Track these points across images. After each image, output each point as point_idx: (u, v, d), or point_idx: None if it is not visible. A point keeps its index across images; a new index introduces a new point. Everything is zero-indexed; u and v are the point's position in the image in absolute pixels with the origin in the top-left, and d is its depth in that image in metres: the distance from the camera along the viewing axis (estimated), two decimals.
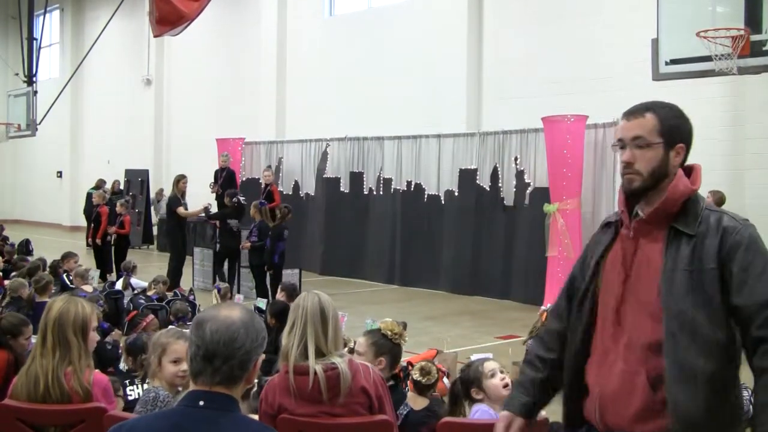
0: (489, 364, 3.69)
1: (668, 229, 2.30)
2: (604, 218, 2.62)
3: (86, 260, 13.73)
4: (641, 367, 2.25)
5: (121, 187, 20.47)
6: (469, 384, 3.66)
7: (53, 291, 8.12)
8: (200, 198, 14.11)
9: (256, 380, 3.82)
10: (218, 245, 12.32)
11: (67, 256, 10.03)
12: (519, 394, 2.57)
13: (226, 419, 1.95)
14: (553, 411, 4.49)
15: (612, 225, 2.49)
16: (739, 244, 2.24)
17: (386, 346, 3.87)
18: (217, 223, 12.53)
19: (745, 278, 2.19)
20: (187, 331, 2.62)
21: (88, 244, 14.28)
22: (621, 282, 2.35)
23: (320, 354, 3.12)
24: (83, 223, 19.88)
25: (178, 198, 12.55)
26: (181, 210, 12.38)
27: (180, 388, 3.45)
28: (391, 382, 3.81)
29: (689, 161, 2.43)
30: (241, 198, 12.81)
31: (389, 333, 3.89)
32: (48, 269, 9.63)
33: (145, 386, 3.73)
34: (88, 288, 8.29)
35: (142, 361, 3.79)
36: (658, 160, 2.31)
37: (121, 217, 13.49)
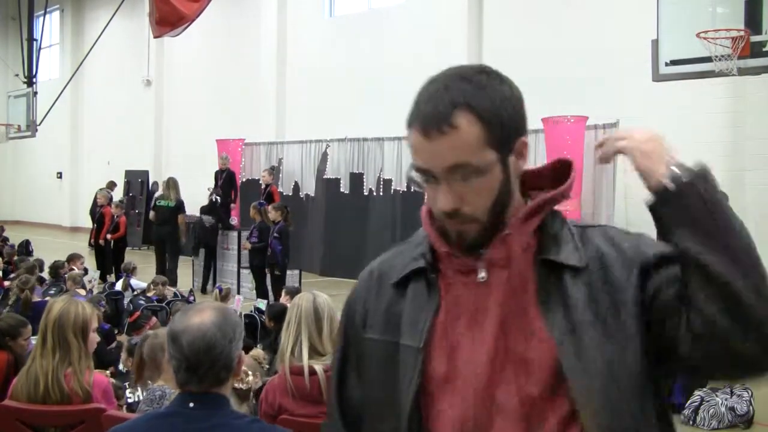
0: None
1: (535, 264, 1.38)
2: (381, 264, 1.55)
3: (88, 260, 13.75)
4: None
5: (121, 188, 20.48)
6: None
7: (53, 292, 8.13)
8: (200, 199, 14.11)
9: (258, 381, 3.83)
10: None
11: (73, 257, 10.06)
12: None
13: (218, 416, 2.00)
14: None
15: (420, 275, 1.44)
16: (636, 239, 1.41)
17: None
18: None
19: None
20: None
21: (90, 245, 14.33)
22: (485, 363, 1.35)
23: (318, 354, 3.13)
24: (83, 224, 19.85)
25: (183, 202, 12.95)
26: (182, 218, 12.77)
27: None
28: None
29: None
30: (216, 197, 12.99)
31: None
32: (48, 270, 9.65)
33: (152, 386, 3.74)
34: (81, 291, 8.28)
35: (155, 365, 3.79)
36: (497, 186, 1.34)
37: (116, 218, 13.50)
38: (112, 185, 17.30)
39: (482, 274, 1.38)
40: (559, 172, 1.46)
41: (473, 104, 1.30)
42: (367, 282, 1.54)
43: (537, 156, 11.72)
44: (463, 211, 1.34)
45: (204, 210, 12.62)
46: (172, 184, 13.03)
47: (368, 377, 1.49)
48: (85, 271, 10.03)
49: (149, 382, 3.66)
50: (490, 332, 1.36)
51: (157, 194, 14.76)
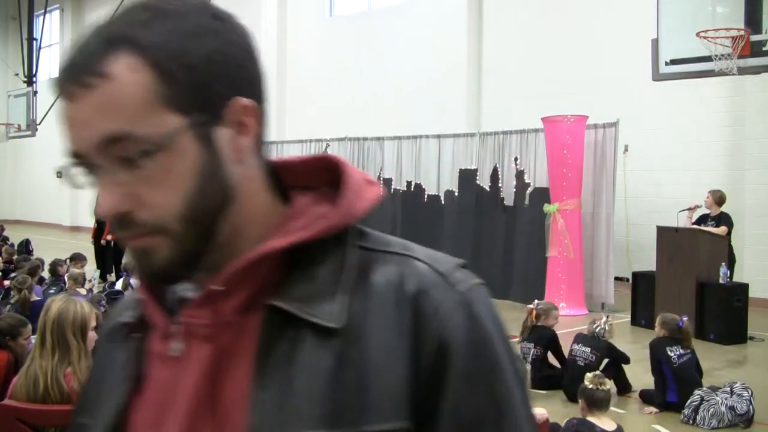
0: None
1: (264, 312, 0.82)
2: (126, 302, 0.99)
3: (89, 260, 13.76)
4: None
5: None
6: None
7: (53, 291, 8.14)
8: None
9: None
10: None
11: (75, 258, 10.06)
12: None
13: None
14: (552, 411, 4.51)
15: (128, 332, 0.92)
16: (458, 349, 0.78)
17: None
18: None
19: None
20: None
21: (92, 243, 14.37)
22: None
23: None
24: (84, 223, 19.87)
25: None
26: None
27: None
28: None
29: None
30: None
31: None
32: (48, 268, 9.65)
33: None
34: (82, 291, 8.28)
35: None
36: (191, 175, 0.79)
37: None
38: None
39: (176, 346, 0.86)
40: (334, 170, 0.92)
41: (139, 39, 0.80)
42: (108, 326, 1.00)
43: (537, 155, 11.72)
44: (137, 217, 0.79)
45: None
46: None
47: None
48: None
49: None
50: (184, 422, 0.83)
51: None
